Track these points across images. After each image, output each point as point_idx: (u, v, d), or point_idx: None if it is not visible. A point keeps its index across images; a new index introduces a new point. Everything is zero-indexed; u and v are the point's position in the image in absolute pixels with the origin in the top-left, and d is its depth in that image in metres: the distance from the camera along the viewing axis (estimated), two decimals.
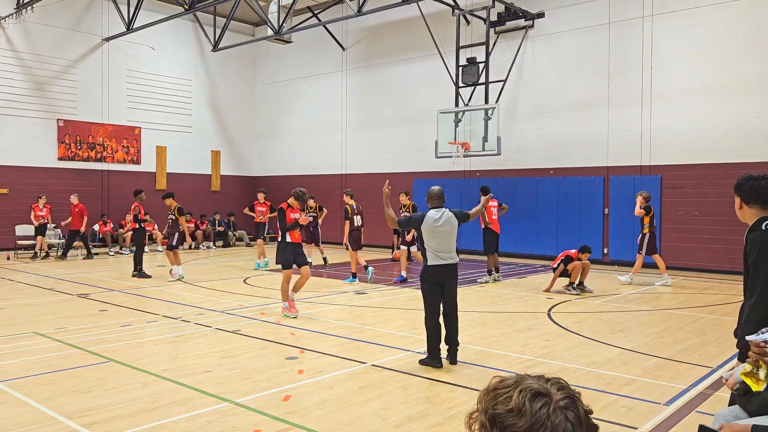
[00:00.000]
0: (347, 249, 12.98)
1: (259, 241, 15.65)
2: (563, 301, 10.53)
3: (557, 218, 16.39)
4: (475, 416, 1.24)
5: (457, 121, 16.36)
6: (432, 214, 6.45)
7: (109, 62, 20.52)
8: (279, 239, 9.31)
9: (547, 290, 11.41)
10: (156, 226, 19.04)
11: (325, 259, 15.39)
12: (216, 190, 23.53)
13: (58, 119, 19.32)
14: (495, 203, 12.96)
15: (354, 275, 12.91)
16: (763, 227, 3.41)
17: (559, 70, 16.97)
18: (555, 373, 6.16)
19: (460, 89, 17.23)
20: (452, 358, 6.43)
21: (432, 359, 6.31)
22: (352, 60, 21.83)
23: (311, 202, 15.57)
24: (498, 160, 17.22)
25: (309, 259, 14.42)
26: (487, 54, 16.58)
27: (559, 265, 11.37)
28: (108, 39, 20.31)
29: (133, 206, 13.54)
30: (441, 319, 6.45)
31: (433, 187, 6.65)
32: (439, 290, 6.41)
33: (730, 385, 3.12)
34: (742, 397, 3.04)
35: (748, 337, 2.90)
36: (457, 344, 6.48)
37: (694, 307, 10.03)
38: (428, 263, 6.40)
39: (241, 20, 23.70)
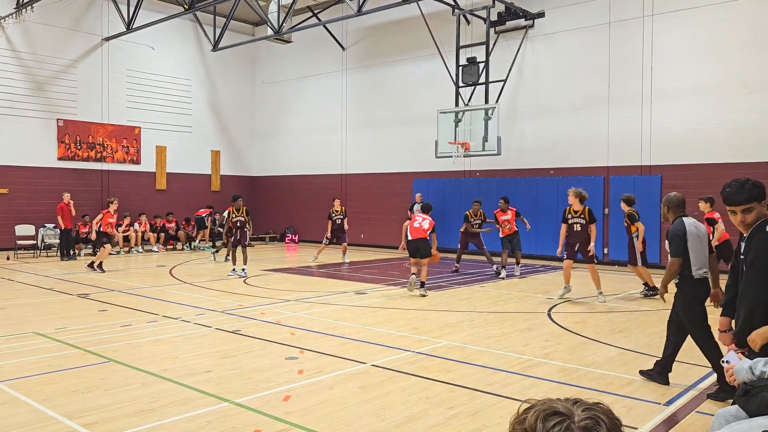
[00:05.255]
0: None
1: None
2: (563, 301, 10.54)
3: (557, 218, 16.35)
4: None
5: (457, 121, 16.36)
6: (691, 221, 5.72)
7: (109, 62, 20.52)
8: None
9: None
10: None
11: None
12: (216, 190, 23.52)
13: (57, 119, 19.32)
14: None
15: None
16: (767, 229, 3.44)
17: (559, 70, 16.97)
18: (554, 373, 6.17)
19: (460, 89, 17.22)
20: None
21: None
22: (352, 60, 21.82)
23: (338, 205, 16.60)
24: (498, 160, 17.21)
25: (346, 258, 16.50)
26: (487, 54, 16.57)
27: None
28: (108, 39, 20.31)
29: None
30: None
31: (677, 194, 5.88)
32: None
33: (731, 379, 3.12)
34: (742, 397, 3.04)
35: None
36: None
37: None
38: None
39: (241, 20, 23.69)
